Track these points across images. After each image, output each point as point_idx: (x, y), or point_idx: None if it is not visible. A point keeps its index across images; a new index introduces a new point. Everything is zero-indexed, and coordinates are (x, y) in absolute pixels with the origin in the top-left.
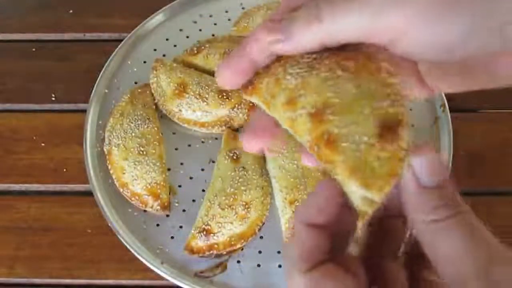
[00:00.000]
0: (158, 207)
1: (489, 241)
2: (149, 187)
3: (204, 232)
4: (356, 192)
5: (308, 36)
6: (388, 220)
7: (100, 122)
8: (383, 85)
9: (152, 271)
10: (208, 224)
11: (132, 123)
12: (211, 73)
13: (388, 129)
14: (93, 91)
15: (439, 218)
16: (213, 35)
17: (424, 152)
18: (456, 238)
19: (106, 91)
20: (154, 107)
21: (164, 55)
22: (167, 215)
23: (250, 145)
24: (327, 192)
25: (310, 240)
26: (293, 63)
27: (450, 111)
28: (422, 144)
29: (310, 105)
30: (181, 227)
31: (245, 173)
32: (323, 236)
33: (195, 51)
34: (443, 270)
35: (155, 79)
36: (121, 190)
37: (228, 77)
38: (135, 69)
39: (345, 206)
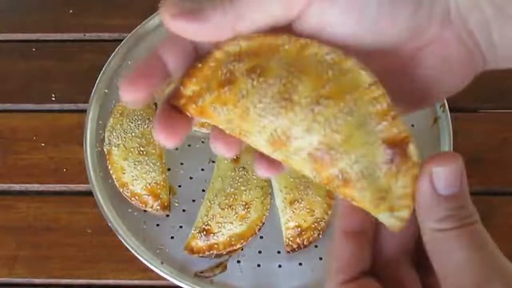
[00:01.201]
0: (158, 207)
1: (494, 255)
2: (149, 187)
3: (204, 232)
4: (383, 217)
5: (220, 18)
6: None
7: (100, 122)
8: (372, 101)
9: (152, 271)
10: (208, 224)
11: (132, 123)
12: None
13: (398, 150)
14: (93, 91)
15: (447, 228)
16: None
17: (447, 161)
18: (460, 249)
19: (106, 91)
20: (154, 107)
21: None
22: (167, 215)
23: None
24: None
25: (348, 250)
26: (257, 91)
27: (450, 111)
28: (446, 155)
29: (309, 146)
30: (181, 227)
31: (245, 173)
32: (363, 246)
33: None
34: (444, 280)
35: None
36: (121, 190)
37: (134, 85)
38: None
39: None
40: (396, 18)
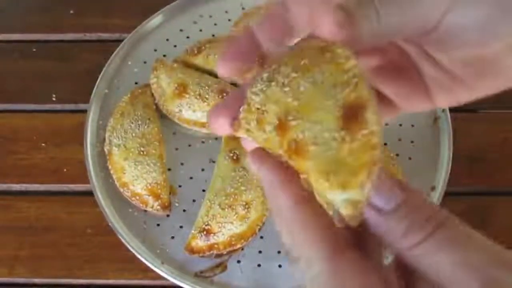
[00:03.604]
0: (159, 207)
1: (482, 245)
2: (150, 187)
3: (204, 232)
4: (337, 199)
5: (367, 29)
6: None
7: (101, 122)
8: (341, 72)
9: (152, 271)
10: (208, 224)
11: (132, 123)
12: (211, 73)
13: (352, 116)
14: (94, 91)
15: (414, 243)
16: (213, 35)
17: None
18: (448, 256)
19: (107, 91)
20: (154, 107)
21: (164, 56)
22: (168, 215)
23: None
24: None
25: (320, 214)
26: (256, 82)
27: (450, 111)
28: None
29: (275, 118)
30: (181, 227)
31: (245, 173)
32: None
33: (195, 52)
34: None
35: (155, 79)
36: (122, 190)
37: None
38: (135, 70)
39: None
40: None
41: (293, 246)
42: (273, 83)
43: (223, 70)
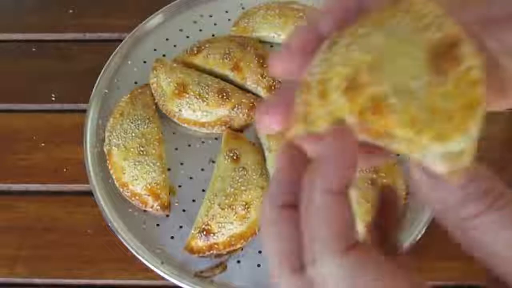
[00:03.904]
0: (158, 207)
1: None
2: (149, 187)
3: (204, 232)
4: (432, 155)
5: None
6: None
7: (100, 122)
8: (420, 16)
9: (152, 271)
10: (208, 224)
11: (132, 123)
12: (211, 73)
13: (443, 54)
14: (93, 91)
15: (480, 211)
16: (213, 35)
17: None
18: (510, 232)
19: (106, 91)
20: (154, 107)
21: (164, 55)
22: (167, 215)
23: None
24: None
25: (342, 210)
26: (312, 61)
27: None
28: None
29: (342, 81)
30: (181, 227)
31: (245, 173)
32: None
33: (195, 51)
34: (505, 274)
35: (155, 79)
36: (121, 190)
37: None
38: (135, 69)
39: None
40: None
41: (308, 240)
42: (335, 47)
43: (280, 67)
